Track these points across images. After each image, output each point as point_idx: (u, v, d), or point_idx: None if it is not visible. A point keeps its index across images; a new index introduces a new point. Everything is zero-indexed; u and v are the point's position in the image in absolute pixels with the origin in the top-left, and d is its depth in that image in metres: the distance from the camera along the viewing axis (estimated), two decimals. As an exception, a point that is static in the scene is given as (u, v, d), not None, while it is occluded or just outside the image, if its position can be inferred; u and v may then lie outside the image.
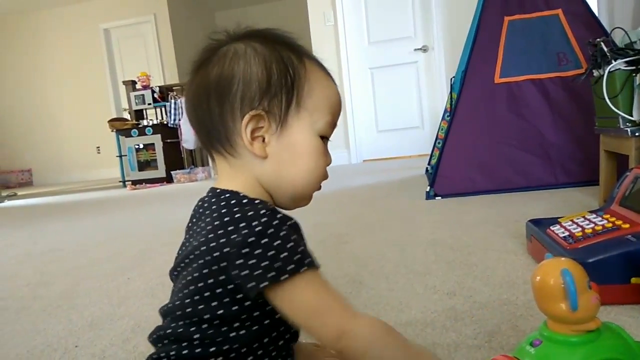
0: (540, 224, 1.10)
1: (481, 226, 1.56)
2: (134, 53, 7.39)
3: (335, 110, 0.55)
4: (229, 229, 0.47)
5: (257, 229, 0.46)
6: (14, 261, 1.84)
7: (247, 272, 0.45)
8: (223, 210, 0.49)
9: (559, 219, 1.07)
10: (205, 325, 0.48)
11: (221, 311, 0.47)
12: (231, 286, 0.47)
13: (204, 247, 0.48)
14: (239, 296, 0.47)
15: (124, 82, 5.66)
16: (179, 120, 5.04)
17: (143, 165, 5.17)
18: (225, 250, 0.46)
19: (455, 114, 2.30)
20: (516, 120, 2.20)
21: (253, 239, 0.45)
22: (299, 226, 0.50)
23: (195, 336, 0.48)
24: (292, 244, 0.46)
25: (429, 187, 2.20)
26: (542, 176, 2.12)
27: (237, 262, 0.45)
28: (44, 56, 7.66)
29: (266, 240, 0.45)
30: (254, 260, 0.45)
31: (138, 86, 5.40)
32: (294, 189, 0.54)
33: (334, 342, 0.46)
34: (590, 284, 0.48)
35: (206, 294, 0.48)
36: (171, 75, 6.96)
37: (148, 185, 4.97)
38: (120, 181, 5.49)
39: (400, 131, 5.00)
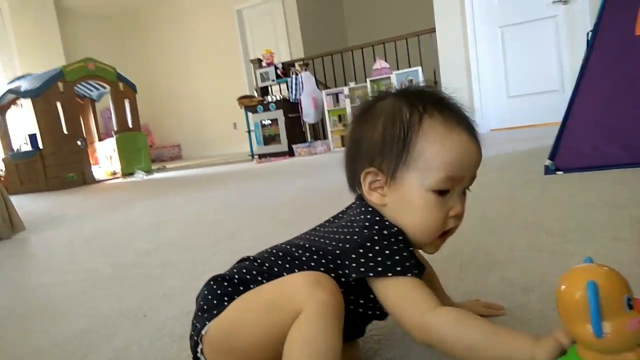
0: (658, 209, 0.89)
1: (598, 208, 1.32)
2: (264, 31, 7.71)
3: (454, 165, 0.57)
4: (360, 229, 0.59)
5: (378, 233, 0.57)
6: (135, 229, 2.05)
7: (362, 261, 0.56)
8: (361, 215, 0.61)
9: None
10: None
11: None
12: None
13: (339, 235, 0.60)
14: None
15: (251, 61, 5.94)
16: (300, 95, 5.15)
17: (268, 140, 5.43)
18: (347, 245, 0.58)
19: (584, 74, 1.98)
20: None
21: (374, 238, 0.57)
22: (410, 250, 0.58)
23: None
24: (404, 252, 0.56)
25: (548, 160, 1.93)
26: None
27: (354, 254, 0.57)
28: (186, 40, 8.39)
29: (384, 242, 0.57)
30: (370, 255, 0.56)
31: (263, 64, 5.63)
32: (414, 236, 0.59)
33: (417, 334, 0.53)
34: (632, 303, 0.35)
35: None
36: (297, 51, 7.14)
37: (272, 158, 5.21)
38: (249, 155, 5.84)
39: (536, 96, 4.50)
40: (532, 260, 0.97)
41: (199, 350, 0.58)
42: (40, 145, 5.09)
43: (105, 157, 5.91)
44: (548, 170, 1.93)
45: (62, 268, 1.55)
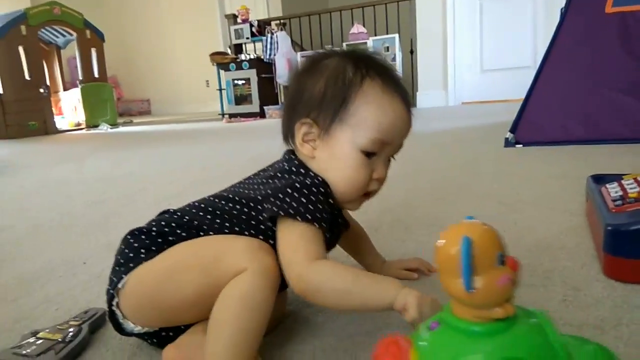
0: (600, 181, 0.91)
1: (554, 181, 1.35)
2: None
3: (386, 128, 0.59)
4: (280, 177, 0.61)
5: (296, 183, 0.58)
6: (91, 180, 2.00)
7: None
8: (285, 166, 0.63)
9: (623, 176, 0.87)
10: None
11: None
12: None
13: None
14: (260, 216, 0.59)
15: (226, 16, 5.74)
16: (274, 55, 5.04)
17: (239, 100, 5.32)
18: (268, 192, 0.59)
19: (552, 49, 1.98)
20: (629, 60, 1.83)
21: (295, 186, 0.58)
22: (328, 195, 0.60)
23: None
24: (319, 204, 0.57)
25: (508, 134, 1.96)
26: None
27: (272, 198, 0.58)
28: (161, -9, 8.04)
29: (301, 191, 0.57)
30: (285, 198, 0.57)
31: (238, 20, 5.46)
32: (337, 192, 0.61)
33: (296, 285, 0.54)
34: (504, 259, 0.35)
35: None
36: (275, 9, 6.94)
37: (242, 119, 5.12)
38: (219, 114, 5.73)
39: (509, 71, 4.53)
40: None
41: (114, 303, 0.57)
42: (0, 91, 4.86)
43: (69, 108, 5.70)
44: (508, 143, 1.95)
45: (9, 214, 1.50)
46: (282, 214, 0.56)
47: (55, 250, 1.08)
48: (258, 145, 2.79)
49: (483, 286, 0.34)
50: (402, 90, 0.62)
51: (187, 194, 1.53)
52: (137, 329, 0.58)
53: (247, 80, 5.23)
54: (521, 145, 1.93)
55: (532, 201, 1.16)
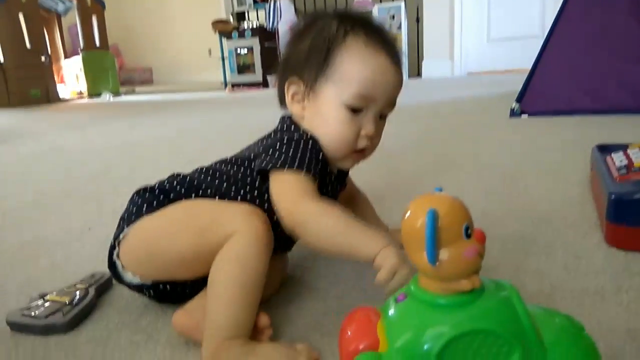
0: (605, 150, 0.90)
1: (558, 151, 1.34)
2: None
3: (367, 83, 0.58)
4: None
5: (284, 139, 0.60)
6: (94, 149, 2.00)
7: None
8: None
9: (629, 145, 0.86)
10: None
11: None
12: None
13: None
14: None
15: (229, -18, 5.63)
16: (277, 23, 4.95)
17: (242, 69, 5.25)
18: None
19: (560, 17, 1.94)
20: (638, 28, 1.79)
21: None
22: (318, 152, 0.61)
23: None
24: (308, 155, 0.58)
25: (514, 103, 1.94)
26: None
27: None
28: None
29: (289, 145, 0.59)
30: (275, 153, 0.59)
31: (241, -14, 5.35)
32: (326, 149, 0.61)
33: (285, 219, 0.55)
34: (470, 232, 0.35)
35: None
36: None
37: (245, 88, 5.08)
38: (221, 83, 5.67)
39: (516, 40, 4.44)
40: (476, 196, 0.99)
41: (115, 253, 0.60)
42: (1, 58, 4.82)
43: (71, 76, 5.65)
44: (513, 113, 1.93)
45: (14, 182, 1.51)
46: (270, 166, 0.57)
47: (61, 217, 1.09)
48: (262, 114, 2.77)
49: (449, 258, 0.34)
50: (388, 44, 0.61)
51: (192, 165, 1.53)
52: (136, 280, 0.60)
53: (250, 49, 5.16)
54: (527, 116, 1.91)
55: (536, 171, 1.15)
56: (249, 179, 0.61)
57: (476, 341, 0.34)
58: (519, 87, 1.98)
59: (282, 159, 0.57)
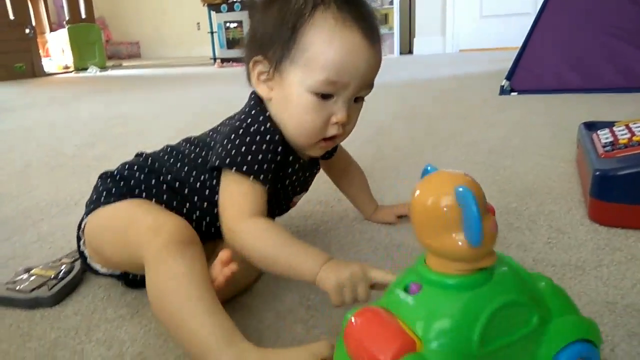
0: (592, 128, 0.91)
1: (546, 128, 1.35)
2: None
3: (336, 68, 0.51)
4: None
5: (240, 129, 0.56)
6: (81, 123, 1.97)
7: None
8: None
9: (615, 123, 0.87)
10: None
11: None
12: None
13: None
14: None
15: (218, -47, 5.48)
16: (268, -4, 4.85)
17: (232, 43, 5.16)
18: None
19: (552, -5, 1.92)
20: (629, 5, 1.78)
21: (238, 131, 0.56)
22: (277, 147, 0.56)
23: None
24: (260, 154, 0.55)
25: (504, 81, 1.93)
26: (649, 76, 1.75)
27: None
28: None
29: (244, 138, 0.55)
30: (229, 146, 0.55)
31: (231, -43, 5.21)
32: (292, 136, 0.57)
33: (226, 236, 0.54)
34: (487, 206, 0.33)
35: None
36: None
37: (235, 63, 5.00)
38: (210, 58, 5.58)
39: (508, 17, 4.40)
40: (468, 172, 0.99)
41: (81, 242, 0.60)
42: (-17, 30, 4.69)
43: (57, 50, 5.53)
44: (503, 91, 1.93)
45: (-2, 156, 1.49)
46: (219, 163, 0.55)
47: (46, 190, 1.08)
48: (248, 90, 2.74)
49: (485, 236, 0.31)
50: (364, 19, 0.53)
51: (177, 138, 1.52)
52: (103, 270, 0.60)
53: (240, 23, 5.06)
54: (516, 93, 1.91)
55: (522, 148, 1.16)
56: (208, 164, 0.58)
57: (505, 313, 0.33)
58: (510, 64, 1.98)
59: (232, 155, 0.54)
